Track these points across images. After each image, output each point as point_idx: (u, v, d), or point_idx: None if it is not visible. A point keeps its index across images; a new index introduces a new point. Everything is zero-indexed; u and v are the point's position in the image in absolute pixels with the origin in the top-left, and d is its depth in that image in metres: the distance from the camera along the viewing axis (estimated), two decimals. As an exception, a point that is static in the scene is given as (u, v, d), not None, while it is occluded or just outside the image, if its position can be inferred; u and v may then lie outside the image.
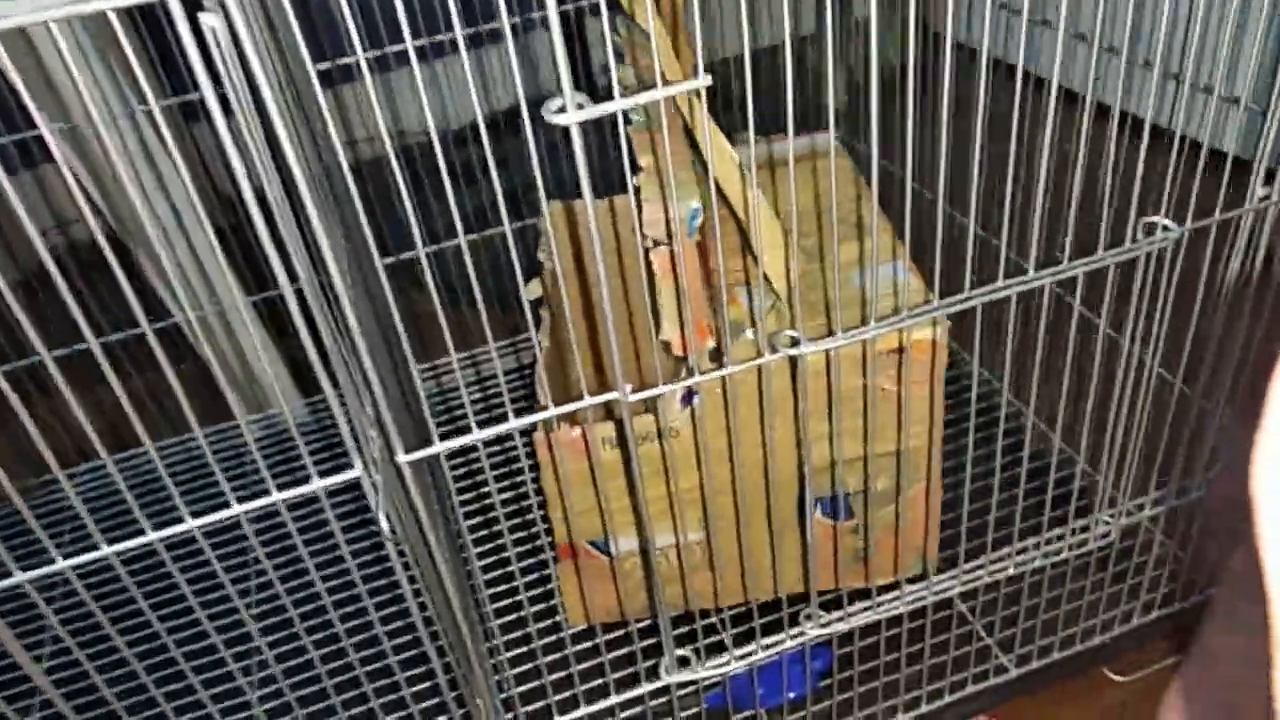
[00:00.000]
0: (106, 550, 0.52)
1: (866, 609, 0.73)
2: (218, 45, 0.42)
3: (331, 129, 0.48)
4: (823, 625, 0.71)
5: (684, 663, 0.70)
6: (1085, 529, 0.77)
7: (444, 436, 0.56)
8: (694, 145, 0.75)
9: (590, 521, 0.81)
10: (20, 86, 0.42)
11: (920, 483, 0.82)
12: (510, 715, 0.82)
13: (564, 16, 1.06)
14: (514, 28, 1.06)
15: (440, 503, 0.74)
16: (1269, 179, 0.67)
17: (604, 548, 0.84)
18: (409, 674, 0.73)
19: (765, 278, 0.74)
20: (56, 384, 0.47)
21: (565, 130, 0.47)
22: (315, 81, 0.49)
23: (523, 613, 0.93)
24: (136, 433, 0.50)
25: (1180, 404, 0.76)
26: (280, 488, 0.54)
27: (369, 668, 0.68)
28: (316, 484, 0.55)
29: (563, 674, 0.86)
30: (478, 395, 1.21)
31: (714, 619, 0.89)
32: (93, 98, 0.42)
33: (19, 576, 0.51)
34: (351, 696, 0.86)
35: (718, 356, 0.72)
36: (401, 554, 0.58)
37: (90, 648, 0.58)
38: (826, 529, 0.85)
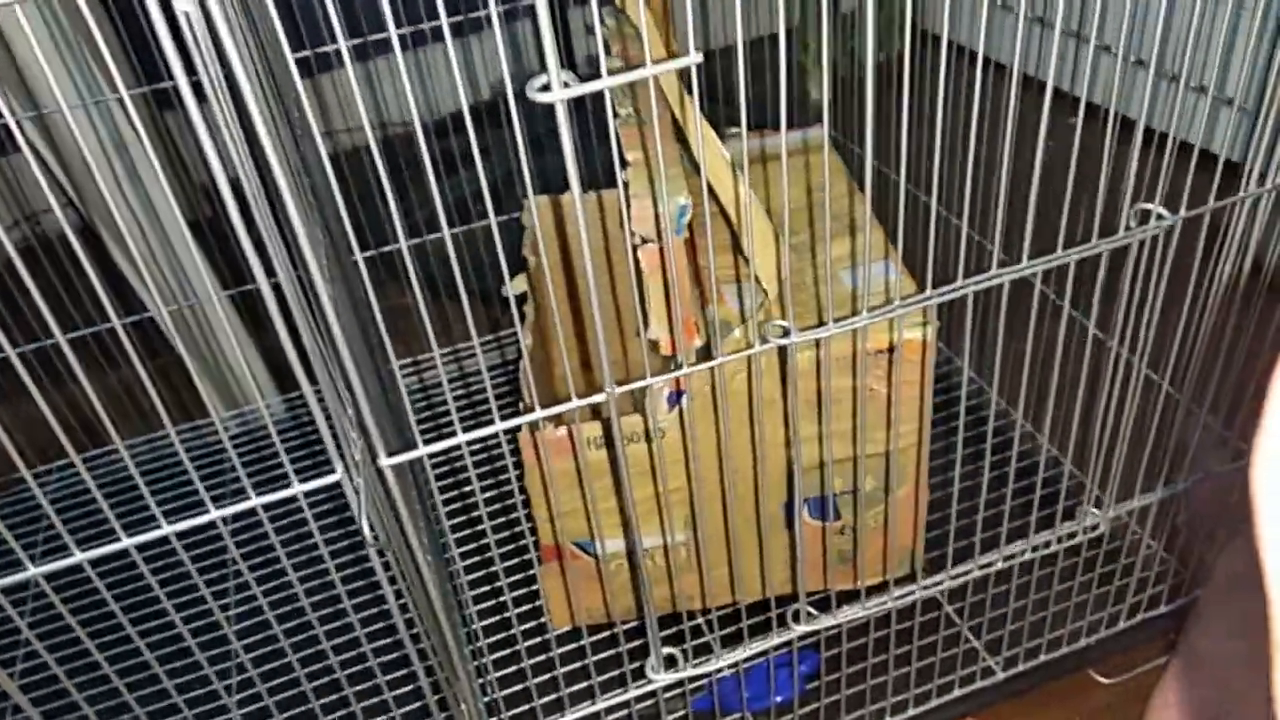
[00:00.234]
0: (79, 556, 0.51)
1: (855, 608, 0.72)
2: (192, 32, 0.40)
3: (310, 118, 0.46)
4: (811, 622, 0.70)
5: (670, 663, 0.69)
6: (1073, 535, 0.76)
7: (427, 438, 0.55)
8: (683, 141, 0.73)
9: (576, 522, 0.80)
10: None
11: (908, 484, 0.81)
12: (494, 719, 0.81)
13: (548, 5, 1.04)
14: (487, 18, 1.04)
15: (422, 502, 0.73)
16: (1261, 179, 0.66)
17: (589, 549, 0.83)
18: (390, 677, 0.72)
19: (755, 277, 0.73)
20: (24, 381, 0.45)
21: (550, 121, 0.45)
22: (294, 70, 0.47)
23: (507, 614, 0.91)
24: (110, 430, 0.48)
25: (1166, 405, 0.75)
26: (259, 489, 0.52)
27: (349, 671, 0.67)
28: (296, 488, 0.53)
29: (547, 677, 0.84)
30: (460, 390, 1.19)
31: (700, 620, 0.88)
32: (60, 85, 0.40)
33: (-15, 583, 0.49)
34: (333, 700, 0.84)
35: (706, 355, 0.70)
36: (384, 558, 0.57)
37: (65, 654, 0.57)
38: (815, 530, 0.84)
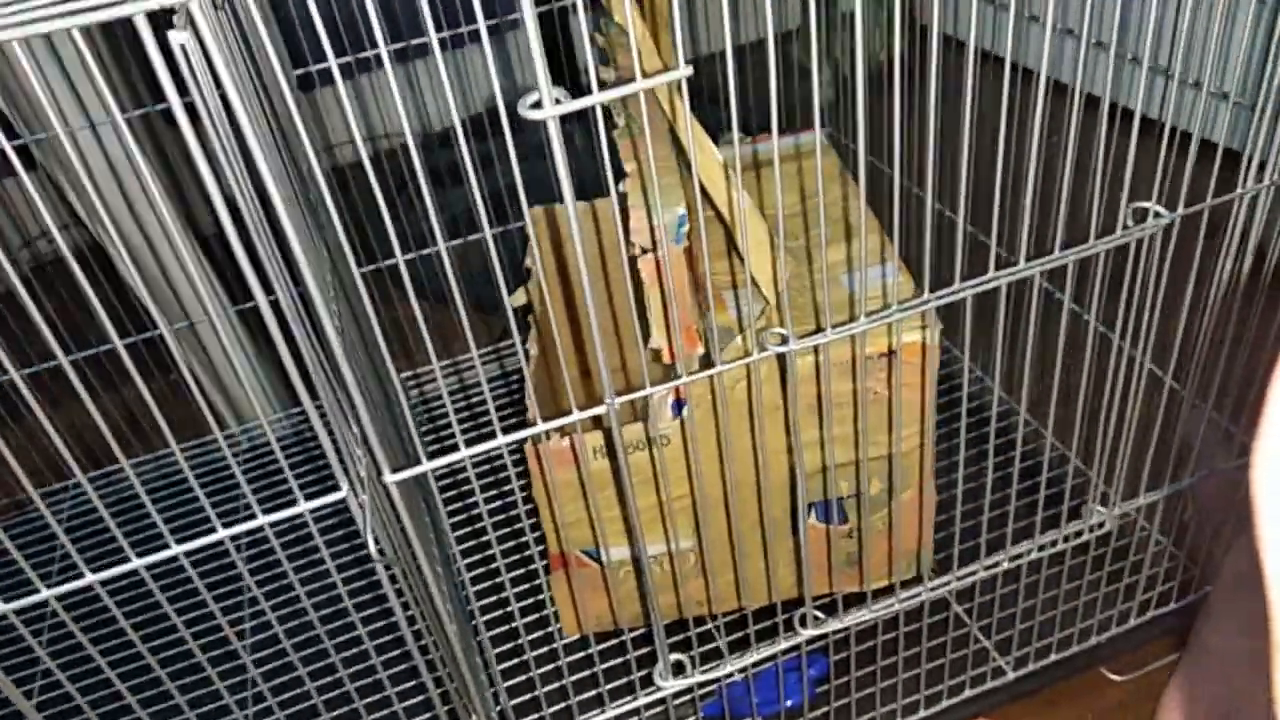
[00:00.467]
0: (91, 578, 0.51)
1: (862, 611, 0.72)
2: (187, 59, 0.41)
3: (304, 135, 0.47)
4: (818, 626, 0.70)
5: (679, 669, 0.69)
6: (1079, 533, 0.76)
7: (431, 451, 0.55)
8: (681, 152, 0.74)
9: (582, 531, 0.80)
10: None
11: (913, 487, 0.81)
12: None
13: (548, 16, 1.05)
14: (494, 27, 1.05)
15: (428, 514, 0.73)
16: (1260, 172, 0.66)
17: (596, 556, 0.83)
18: (400, 688, 0.72)
19: (752, 279, 0.73)
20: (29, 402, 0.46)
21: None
22: (287, 91, 0.48)
23: (515, 624, 0.92)
24: (123, 447, 0.49)
25: (1171, 401, 0.75)
26: (269, 505, 0.53)
27: (359, 684, 0.67)
28: (302, 506, 0.54)
29: (556, 686, 0.85)
30: (461, 402, 1.19)
31: (709, 626, 0.88)
32: (54, 110, 0.41)
33: (1, 608, 0.50)
34: (343, 713, 0.84)
35: (707, 363, 0.71)
36: (390, 573, 0.57)
37: (81, 676, 0.57)
38: (820, 533, 0.84)
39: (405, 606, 0.60)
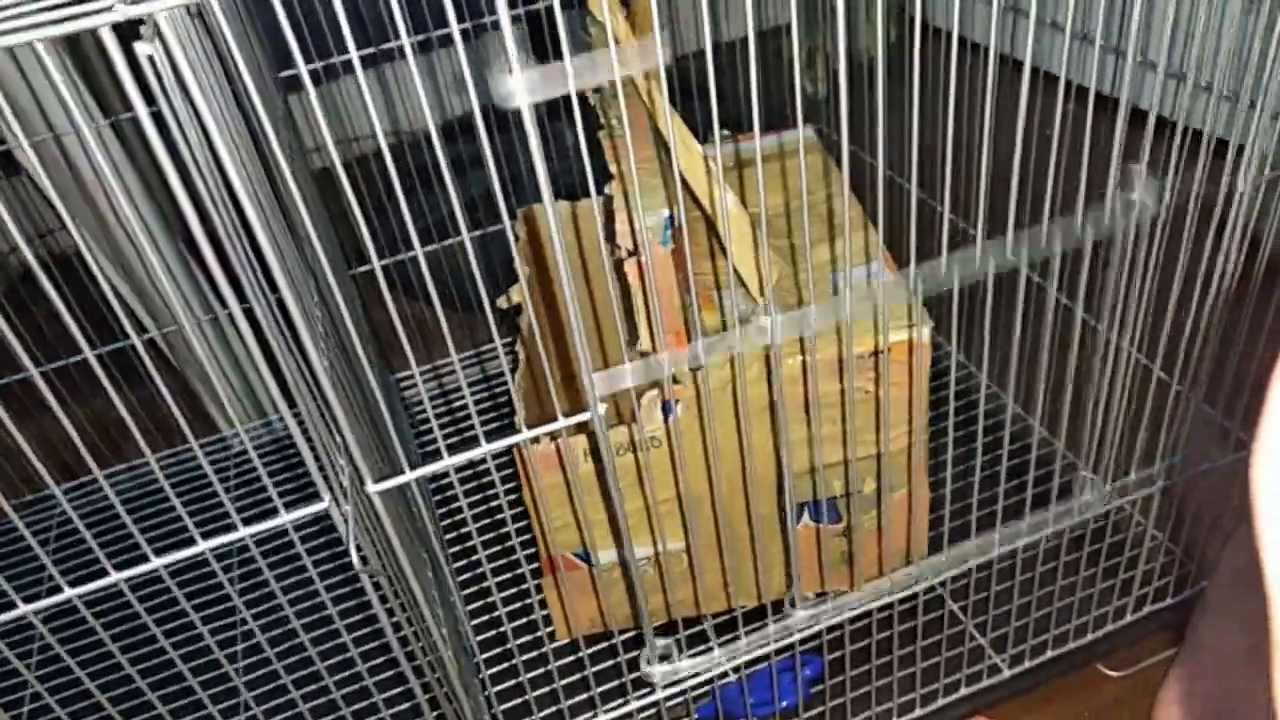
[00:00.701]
0: (69, 593, 0.51)
1: (855, 594, 0.71)
2: (155, 72, 0.40)
3: (273, 138, 0.46)
4: (807, 607, 0.69)
5: (666, 657, 0.68)
6: (1070, 512, 0.75)
7: (419, 460, 0.54)
8: (666, 152, 0.73)
9: (572, 534, 0.80)
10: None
11: (905, 486, 0.80)
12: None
13: (534, 16, 1.04)
14: (469, 30, 1.03)
15: (412, 521, 0.73)
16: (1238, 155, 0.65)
17: (586, 557, 0.83)
18: (387, 695, 0.72)
19: (736, 273, 0.72)
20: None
21: (551, 125, 0.45)
22: (253, 91, 0.47)
23: (503, 629, 0.91)
24: (112, 452, 0.48)
25: (1155, 387, 0.75)
26: (253, 515, 0.52)
27: (344, 691, 0.66)
28: (284, 517, 0.53)
29: (546, 690, 0.84)
30: (441, 407, 1.18)
31: (701, 627, 0.88)
32: (35, 115, 0.40)
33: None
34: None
35: (696, 366, 0.70)
36: (375, 582, 0.57)
37: (72, 690, 0.57)
38: (811, 533, 0.83)
39: (391, 614, 0.59)
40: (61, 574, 0.50)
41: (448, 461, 0.55)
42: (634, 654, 0.84)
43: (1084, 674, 0.87)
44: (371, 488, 0.54)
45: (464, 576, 0.97)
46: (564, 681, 0.84)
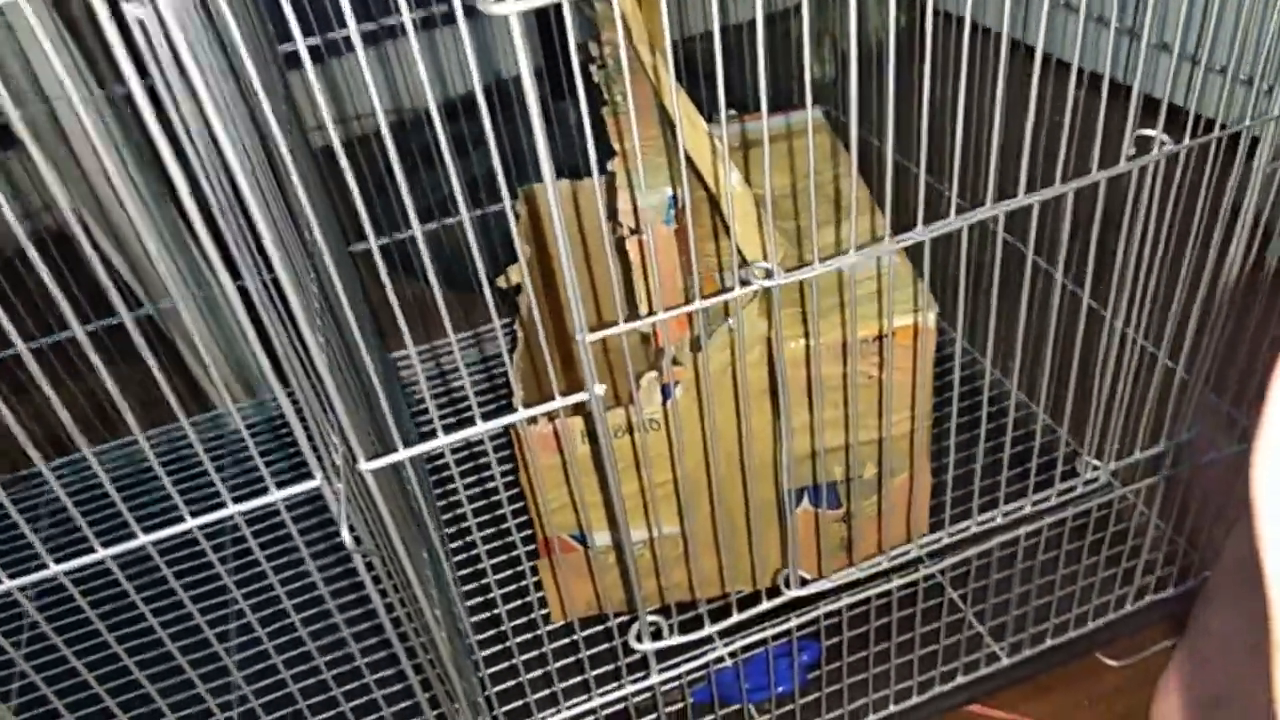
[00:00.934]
0: (54, 569, 0.50)
1: (851, 570, 0.70)
2: (146, 37, 0.39)
3: (270, 115, 0.45)
4: (804, 588, 0.68)
5: (657, 635, 0.68)
6: (1072, 490, 0.74)
7: (416, 438, 0.54)
8: (671, 130, 0.72)
9: (568, 516, 0.79)
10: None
11: (907, 470, 0.79)
12: (491, 716, 0.80)
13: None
14: (472, 6, 1.02)
15: (407, 502, 0.72)
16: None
17: (582, 539, 0.82)
18: (379, 675, 0.71)
19: (739, 250, 0.71)
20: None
21: (557, 104, 0.43)
22: (252, 69, 0.46)
23: (497, 610, 0.90)
24: (109, 429, 0.47)
25: (1155, 367, 0.74)
26: (239, 495, 0.52)
27: (335, 672, 0.66)
28: (275, 495, 0.52)
29: (540, 672, 0.84)
30: (440, 387, 1.17)
31: (696, 611, 0.87)
32: (30, 85, 0.39)
33: (-40, 599, 0.49)
34: (321, 701, 0.83)
35: (696, 348, 0.69)
36: (368, 561, 0.56)
37: (64, 667, 0.56)
38: (810, 517, 0.82)
39: (384, 594, 0.58)
40: (52, 551, 0.49)
41: (443, 440, 0.54)
42: (629, 638, 0.84)
43: (1083, 663, 0.87)
44: (364, 466, 0.53)
45: (459, 558, 0.97)
46: (559, 664, 0.84)
